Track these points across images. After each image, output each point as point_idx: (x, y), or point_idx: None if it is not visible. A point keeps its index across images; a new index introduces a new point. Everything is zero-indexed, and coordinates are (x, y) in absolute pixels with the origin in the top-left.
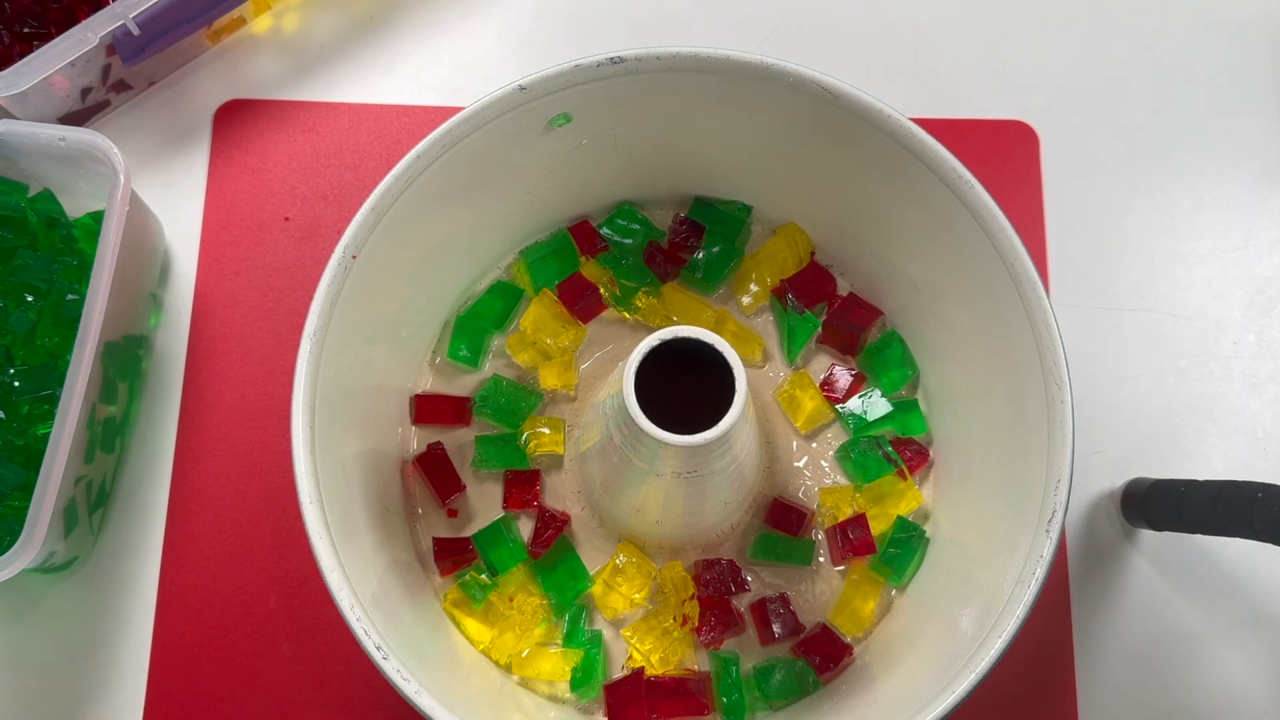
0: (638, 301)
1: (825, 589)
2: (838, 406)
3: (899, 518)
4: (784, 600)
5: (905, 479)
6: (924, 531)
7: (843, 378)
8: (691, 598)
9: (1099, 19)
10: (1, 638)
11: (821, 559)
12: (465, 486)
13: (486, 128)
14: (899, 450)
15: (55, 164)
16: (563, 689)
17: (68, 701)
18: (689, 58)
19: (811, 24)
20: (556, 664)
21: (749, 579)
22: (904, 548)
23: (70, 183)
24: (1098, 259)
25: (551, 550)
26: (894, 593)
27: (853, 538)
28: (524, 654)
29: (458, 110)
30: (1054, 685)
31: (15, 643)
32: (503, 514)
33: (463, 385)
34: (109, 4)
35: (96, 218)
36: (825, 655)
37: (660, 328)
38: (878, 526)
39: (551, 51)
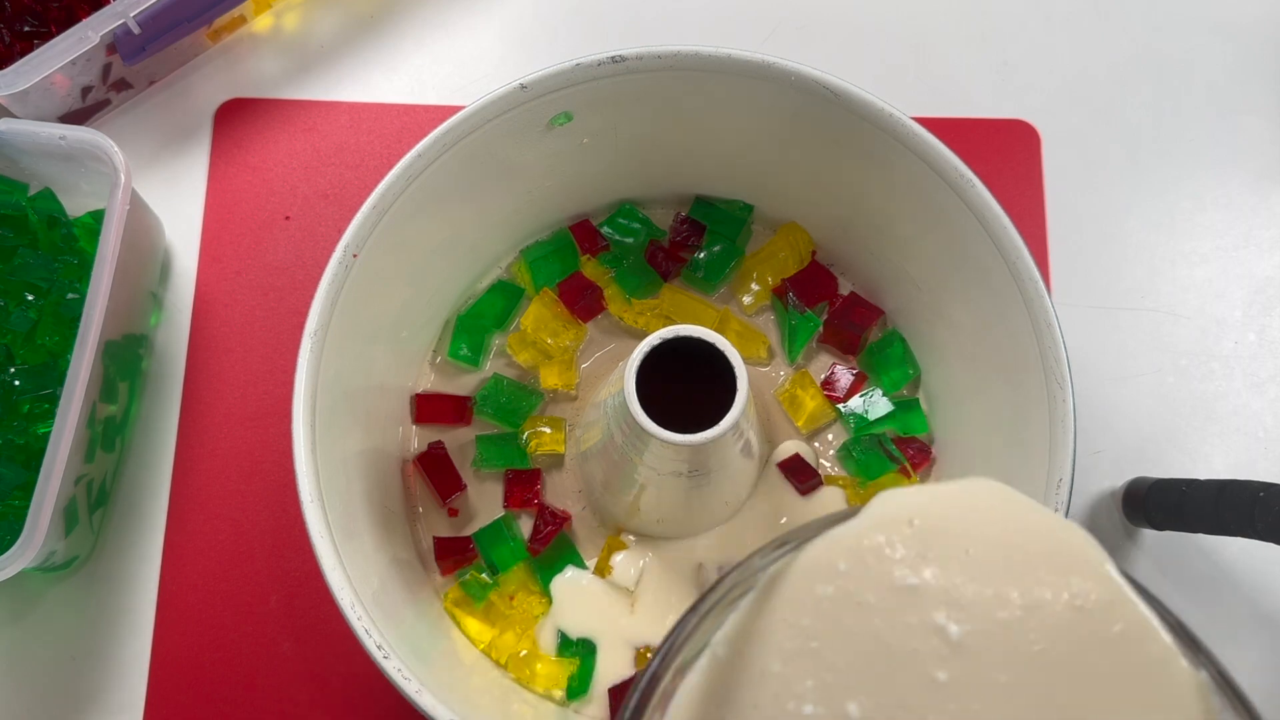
0: (638, 311)
1: None
2: (839, 406)
3: None
4: None
5: (909, 477)
6: None
7: (844, 377)
8: None
9: (1099, 19)
10: (1, 638)
11: None
12: (466, 486)
13: (487, 127)
14: (901, 449)
15: (56, 163)
16: (560, 696)
17: (68, 701)
18: (690, 56)
19: (812, 24)
20: (553, 672)
21: None
22: None
23: (71, 181)
24: (1098, 258)
25: (551, 548)
26: None
27: None
28: (521, 654)
29: (459, 109)
30: None
31: (15, 643)
32: (503, 513)
33: (463, 384)
34: (109, 3)
35: (97, 217)
36: None
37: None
38: None
39: (552, 50)
